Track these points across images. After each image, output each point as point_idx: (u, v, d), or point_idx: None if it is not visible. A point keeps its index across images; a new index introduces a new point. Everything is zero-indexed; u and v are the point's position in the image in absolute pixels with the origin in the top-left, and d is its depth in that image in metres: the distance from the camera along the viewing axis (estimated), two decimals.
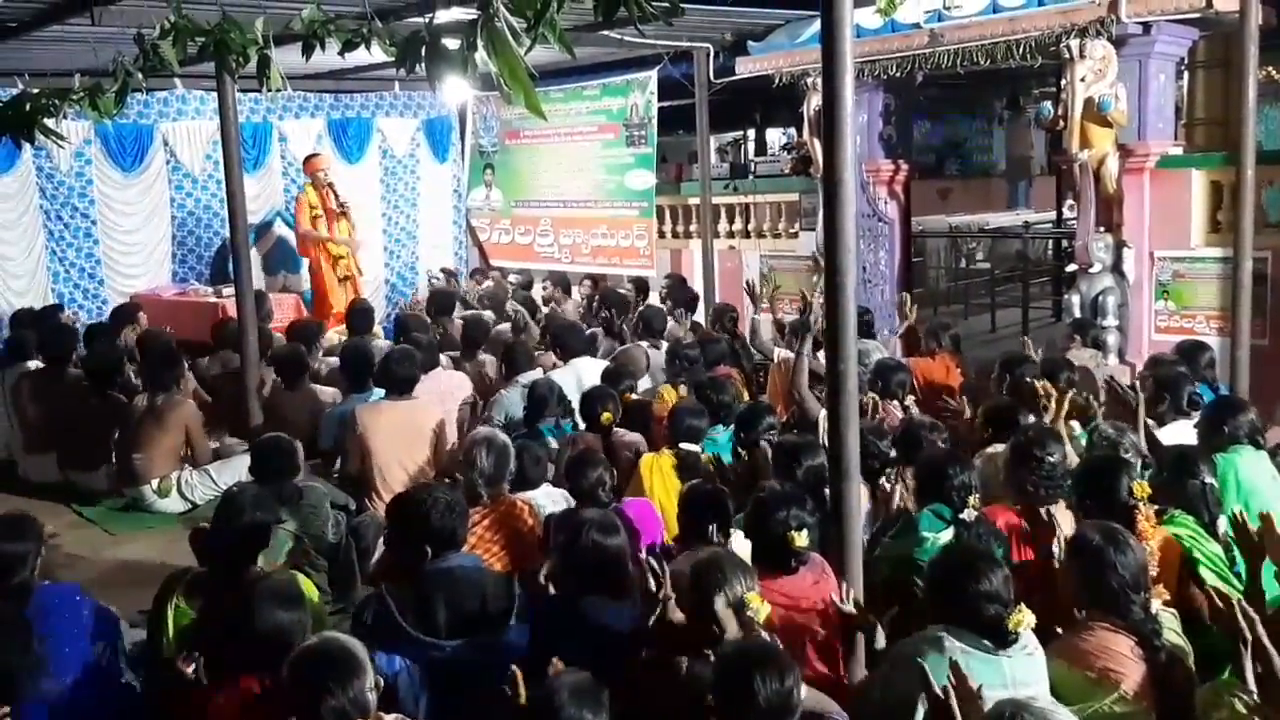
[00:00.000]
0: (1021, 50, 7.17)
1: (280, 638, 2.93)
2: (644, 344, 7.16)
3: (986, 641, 2.80)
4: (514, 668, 2.68)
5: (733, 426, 5.01)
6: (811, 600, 3.34)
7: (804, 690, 2.70)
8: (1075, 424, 4.77)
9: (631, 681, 2.92)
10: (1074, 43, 6.84)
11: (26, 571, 3.48)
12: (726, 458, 4.81)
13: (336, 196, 9.38)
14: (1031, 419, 4.56)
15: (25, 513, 3.77)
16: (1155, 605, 3.06)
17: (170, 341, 7.33)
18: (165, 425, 6.17)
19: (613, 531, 3.47)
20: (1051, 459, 3.84)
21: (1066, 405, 4.60)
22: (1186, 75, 8.98)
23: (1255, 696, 2.71)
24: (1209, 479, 3.82)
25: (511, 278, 10.51)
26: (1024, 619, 2.80)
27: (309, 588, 3.50)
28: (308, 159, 9.62)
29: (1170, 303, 7.33)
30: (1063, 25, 6.90)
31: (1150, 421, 4.82)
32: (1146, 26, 6.90)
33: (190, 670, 3.03)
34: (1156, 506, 3.59)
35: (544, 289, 9.82)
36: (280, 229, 10.13)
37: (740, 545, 3.55)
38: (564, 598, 3.45)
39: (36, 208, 9.12)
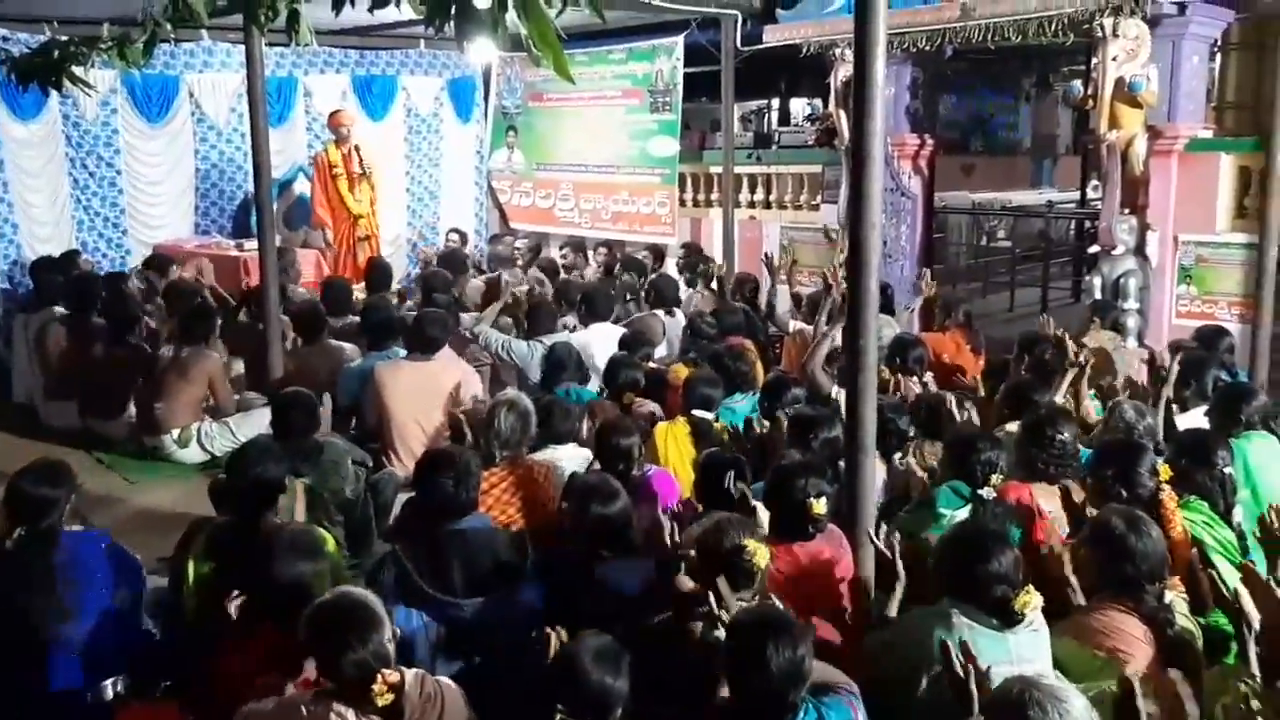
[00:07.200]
0: (1054, 26, 7.09)
1: (300, 588, 2.96)
2: (659, 313, 7.17)
3: (993, 619, 2.82)
4: (549, 630, 2.72)
5: (754, 396, 5.01)
6: (825, 568, 3.36)
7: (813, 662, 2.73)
8: (1095, 403, 4.77)
9: (644, 647, 2.95)
10: (1108, 21, 6.77)
11: (55, 516, 3.54)
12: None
13: (361, 160, 9.42)
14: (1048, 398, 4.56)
15: (62, 460, 3.82)
16: (1169, 596, 3.07)
17: (204, 295, 7.31)
18: (189, 377, 6.21)
19: (614, 498, 3.52)
20: (1063, 437, 3.86)
21: (1087, 374, 4.59)
22: (1219, 57, 8.87)
23: (1259, 681, 2.73)
24: (1227, 468, 3.81)
25: (519, 243, 10.38)
26: (1031, 600, 2.81)
27: (328, 541, 3.54)
28: (332, 114, 9.64)
29: (1192, 287, 7.29)
30: (1097, 3, 6.82)
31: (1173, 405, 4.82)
32: (1181, 6, 6.83)
33: (232, 608, 3.06)
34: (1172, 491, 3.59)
35: (562, 256, 9.79)
36: (303, 185, 10.14)
37: (760, 514, 3.57)
38: (577, 560, 3.50)
39: (62, 155, 9.13)
